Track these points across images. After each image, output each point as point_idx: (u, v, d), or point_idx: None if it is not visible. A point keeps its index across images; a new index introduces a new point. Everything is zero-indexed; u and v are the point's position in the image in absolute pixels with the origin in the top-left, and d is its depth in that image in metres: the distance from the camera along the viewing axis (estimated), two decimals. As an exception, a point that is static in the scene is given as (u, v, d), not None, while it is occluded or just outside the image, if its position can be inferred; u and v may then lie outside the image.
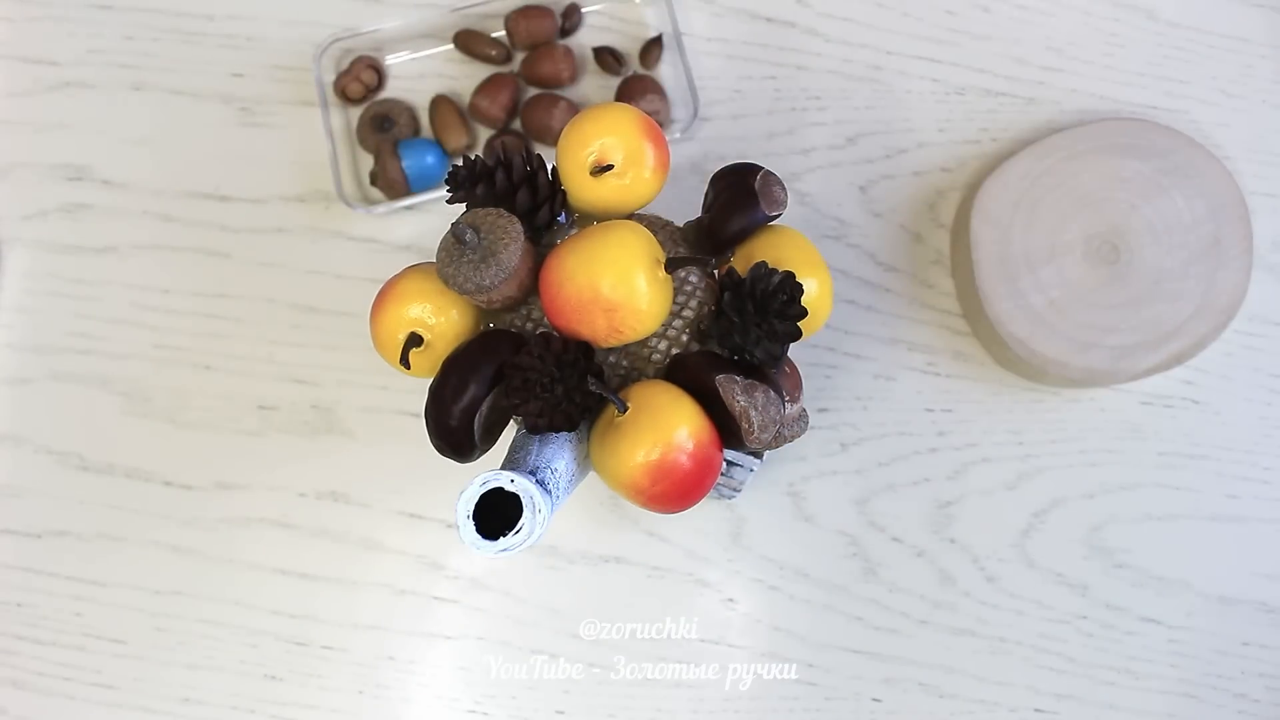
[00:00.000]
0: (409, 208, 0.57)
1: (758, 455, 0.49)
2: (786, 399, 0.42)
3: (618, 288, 0.39)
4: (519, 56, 0.58)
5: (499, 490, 0.37)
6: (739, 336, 0.41)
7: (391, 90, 0.58)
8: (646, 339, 0.43)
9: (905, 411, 0.56)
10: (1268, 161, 0.56)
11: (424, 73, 0.58)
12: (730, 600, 0.55)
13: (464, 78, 0.58)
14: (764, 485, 0.56)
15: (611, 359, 0.44)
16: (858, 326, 0.56)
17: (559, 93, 0.57)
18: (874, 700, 0.55)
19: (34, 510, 0.57)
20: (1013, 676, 0.55)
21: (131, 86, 0.59)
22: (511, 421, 0.44)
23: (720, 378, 0.40)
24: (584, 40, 0.58)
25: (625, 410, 0.40)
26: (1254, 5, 0.57)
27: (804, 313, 0.41)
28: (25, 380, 0.58)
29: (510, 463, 0.40)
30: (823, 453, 0.56)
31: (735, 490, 0.51)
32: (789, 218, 0.56)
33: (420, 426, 0.56)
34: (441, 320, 0.42)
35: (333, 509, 0.56)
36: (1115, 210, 0.53)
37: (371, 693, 0.55)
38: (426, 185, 0.56)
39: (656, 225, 0.45)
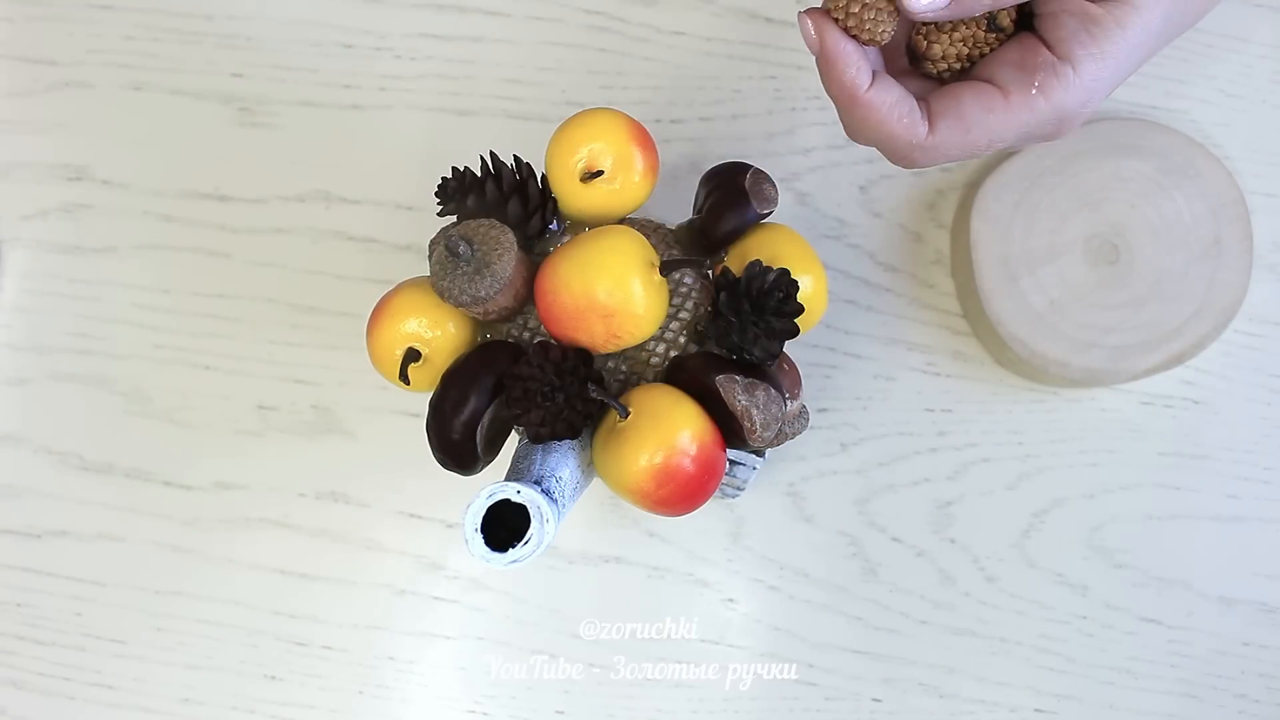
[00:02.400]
0: (409, 209, 0.57)
1: (760, 454, 0.49)
2: (787, 396, 0.42)
3: (613, 293, 0.39)
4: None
5: (505, 501, 0.37)
6: (737, 336, 0.41)
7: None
8: (644, 343, 0.43)
9: (905, 411, 0.56)
10: (1268, 161, 0.56)
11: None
12: (730, 600, 0.55)
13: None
14: (764, 485, 0.56)
15: (610, 364, 0.44)
16: (858, 326, 0.56)
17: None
18: (874, 700, 0.55)
19: (34, 510, 0.57)
20: (1013, 676, 0.55)
21: (131, 86, 0.59)
22: (513, 432, 0.44)
23: (720, 378, 0.40)
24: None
25: (627, 415, 0.40)
26: (1254, 5, 0.57)
27: (800, 309, 0.41)
28: (25, 380, 0.58)
29: (514, 473, 0.40)
30: (823, 453, 0.56)
31: (738, 489, 0.51)
32: (788, 217, 0.56)
33: (421, 427, 0.56)
34: (438, 334, 0.42)
35: (333, 509, 0.56)
36: (1115, 210, 0.53)
37: (371, 693, 0.55)
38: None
39: (649, 229, 0.45)
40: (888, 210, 0.57)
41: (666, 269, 0.41)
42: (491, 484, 0.37)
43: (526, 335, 0.44)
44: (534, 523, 0.36)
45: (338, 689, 0.55)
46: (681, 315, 0.43)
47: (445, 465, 0.41)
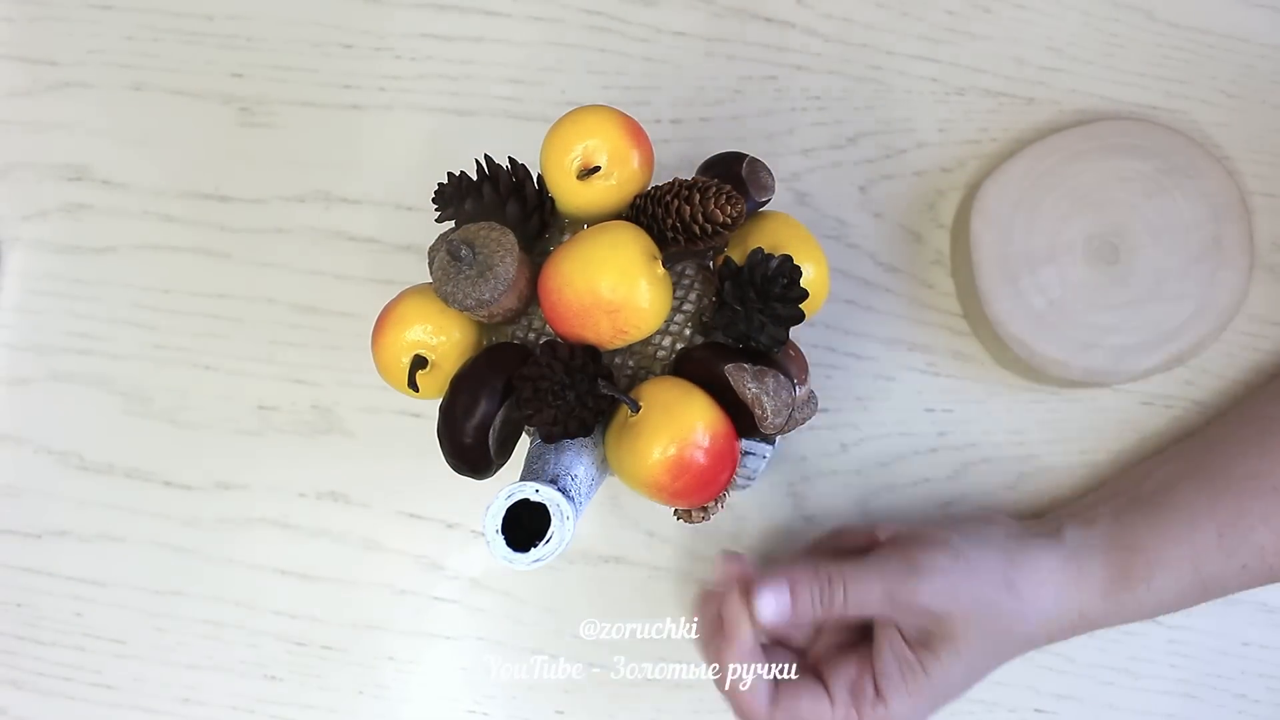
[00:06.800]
0: (409, 209, 0.57)
1: (771, 442, 0.49)
2: (795, 381, 0.43)
3: (618, 288, 0.39)
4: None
5: (521, 502, 0.37)
6: (743, 324, 0.41)
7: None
8: (650, 336, 0.43)
9: (905, 411, 0.56)
10: (1268, 161, 0.56)
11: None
12: (730, 600, 0.55)
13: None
14: (764, 485, 0.56)
15: (618, 360, 0.44)
16: (858, 326, 0.56)
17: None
18: (874, 700, 0.54)
19: (34, 510, 0.57)
20: (1013, 676, 0.55)
21: (131, 86, 0.59)
22: (524, 434, 0.44)
23: (729, 367, 0.40)
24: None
25: (638, 410, 0.40)
26: (1254, 5, 0.57)
27: (805, 294, 0.41)
28: (25, 380, 0.58)
29: (529, 474, 0.40)
30: (823, 453, 0.56)
31: (749, 479, 0.51)
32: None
33: (421, 426, 0.56)
34: (444, 339, 0.42)
35: (333, 509, 0.56)
36: (1115, 210, 0.53)
37: (371, 693, 0.55)
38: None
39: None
40: (888, 210, 0.57)
41: (669, 261, 0.41)
42: (509, 484, 0.37)
43: (532, 336, 0.44)
44: (554, 521, 0.36)
45: (338, 689, 0.55)
46: (685, 307, 0.43)
47: (459, 470, 0.41)
